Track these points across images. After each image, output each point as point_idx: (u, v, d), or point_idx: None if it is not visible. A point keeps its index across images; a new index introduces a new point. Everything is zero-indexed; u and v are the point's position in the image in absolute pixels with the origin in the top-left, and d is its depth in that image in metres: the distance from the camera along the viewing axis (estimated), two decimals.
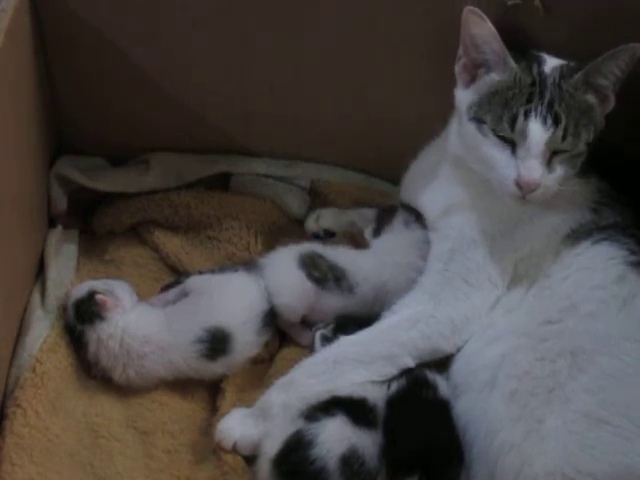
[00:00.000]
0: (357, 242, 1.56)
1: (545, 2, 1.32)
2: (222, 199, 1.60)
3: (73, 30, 1.44)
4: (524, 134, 1.23)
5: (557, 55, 1.31)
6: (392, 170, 1.55)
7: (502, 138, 1.25)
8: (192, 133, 1.59)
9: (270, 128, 1.58)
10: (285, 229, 1.61)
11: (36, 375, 1.32)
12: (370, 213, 1.59)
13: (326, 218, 1.60)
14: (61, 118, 1.55)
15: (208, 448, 1.30)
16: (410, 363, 1.28)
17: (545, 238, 1.31)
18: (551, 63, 1.29)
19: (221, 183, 1.63)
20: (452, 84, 1.32)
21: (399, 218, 1.45)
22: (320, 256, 1.42)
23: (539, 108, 1.23)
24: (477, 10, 1.24)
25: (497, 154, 1.26)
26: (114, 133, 1.59)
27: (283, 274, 1.41)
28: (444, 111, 1.38)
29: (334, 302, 1.40)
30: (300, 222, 1.63)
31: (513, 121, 1.23)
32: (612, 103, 1.28)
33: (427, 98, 1.45)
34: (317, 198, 1.64)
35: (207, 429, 1.33)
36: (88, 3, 1.42)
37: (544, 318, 1.26)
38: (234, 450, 1.27)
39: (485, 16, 1.24)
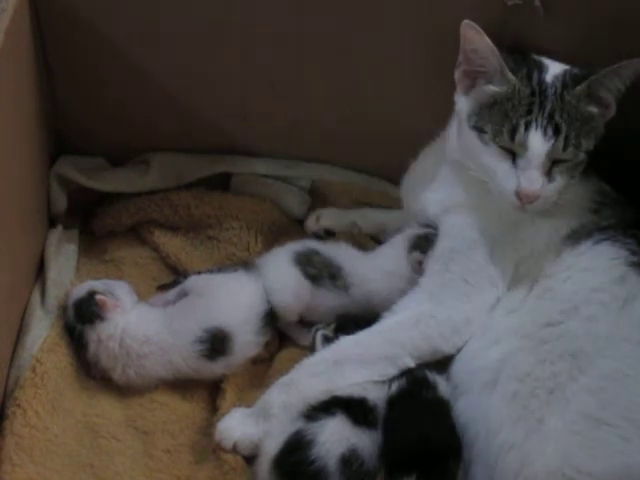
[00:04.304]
0: (357, 242, 1.56)
1: (545, 2, 1.32)
2: (222, 199, 1.60)
3: (73, 30, 1.44)
4: (524, 145, 1.23)
5: (557, 57, 1.31)
6: (392, 170, 1.54)
7: (503, 148, 1.25)
8: (192, 133, 1.59)
9: (270, 128, 1.58)
10: (285, 229, 1.61)
11: (36, 375, 1.32)
12: (371, 213, 1.59)
13: (326, 218, 1.60)
14: (61, 118, 1.55)
15: (208, 448, 1.30)
16: (410, 363, 1.28)
17: (546, 238, 1.30)
18: (553, 70, 1.28)
19: (221, 183, 1.63)
20: (452, 85, 1.32)
21: (408, 242, 1.41)
22: (316, 252, 1.43)
23: (539, 119, 1.23)
24: (474, 25, 1.24)
25: (497, 164, 1.26)
26: (114, 133, 1.59)
27: (279, 273, 1.41)
28: (444, 111, 1.38)
29: (329, 300, 1.40)
30: (300, 222, 1.63)
31: (513, 132, 1.23)
32: (613, 111, 1.28)
33: (427, 98, 1.45)
34: (317, 198, 1.64)
35: (207, 429, 1.33)
36: (88, 3, 1.42)
37: (545, 320, 1.25)
38: (234, 450, 1.27)
39: (482, 31, 1.24)
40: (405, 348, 1.28)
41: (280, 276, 1.41)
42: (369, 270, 1.42)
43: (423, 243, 1.38)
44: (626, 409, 1.15)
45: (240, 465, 1.27)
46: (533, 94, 1.25)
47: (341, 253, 1.44)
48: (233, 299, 1.38)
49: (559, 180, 1.26)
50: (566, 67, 1.30)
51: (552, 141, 1.23)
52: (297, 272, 1.41)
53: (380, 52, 1.44)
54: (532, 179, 1.23)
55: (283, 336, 1.46)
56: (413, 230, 1.41)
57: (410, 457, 1.21)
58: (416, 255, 1.37)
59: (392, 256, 1.41)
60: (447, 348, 1.29)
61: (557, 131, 1.23)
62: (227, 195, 1.61)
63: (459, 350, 1.30)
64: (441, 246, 1.34)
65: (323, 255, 1.43)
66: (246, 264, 1.45)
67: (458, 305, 1.30)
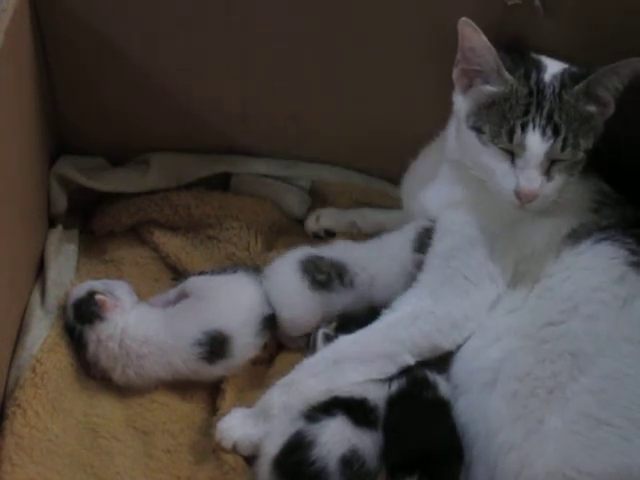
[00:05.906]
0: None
1: (545, 2, 1.32)
2: (222, 199, 1.59)
3: (73, 30, 1.43)
4: (522, 146, 1.23)
5: (557, 57, 1.31)
6: (392, 170, 1.54)
7: (501, 148, 1.25)
8: (192, 133, 1.59)
9: (270, 128, 1.58)
10: (285, 229, 1.61)
11: (36, 375, 1.32)
12: (370, 213, 1.59)
13: (326, 218, 1.60)
14: (61, 118, 1.55)
15: (208, 448, 1.30)
16: (410, 361, 1.28)
17: (547, 237, 1.30)
18: (551, 69, 1.28)
19: (221, 183, 1.63)
20: (452, 85, 1.32)
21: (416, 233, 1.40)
22: (320, 257, 1.42)
23: (537, 119, 1.23)
24: (471, 22, 1.24)
25: (496, 164, 1.26)
26: (114, 133, 1.59)
27: (287, 292, 1.39)
28: (444, 112, 1.38)
29: (339, 301, 1.39)
30: (300, 222, 1.63)
31: (511, 134, 1.23)
32: (612, 110, 1.28)
33: (427, 99, 1.45)
34: (317, 198, 1.64)
35: (207, 429, 1.33)
36: (88, 3, 1.42)
37: (545, 320, 1.25)
38: (234, 450, 1.27)
39: (479, 29, 1.24)
40: (404, 345, 1.28)
41: (288, 297, 1.39)
42: (371, 255, 1.41)
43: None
44: (626, 409, 1.15)
45: (240, 465, 1.27)
46: (531, 94, 1.24)
47: (338, 250, 1.44)
48: (233, 301, 1.38)
49: (558, 179, 1.26)
50: (565, 66, 1.29)
51: (551, 141, 1.23)
52: (304, 288, 1.38)
53: (380, 52, 1.44)
54: (531, 178, 1.23)
55: None
56: (423, 223, 1.39)
57: (412, 457, 1.21)
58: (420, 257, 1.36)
59: (397, 242, 1.41)
60: (446, 344, 1.29)
61: (556, 131, 1.23)
62: (227, 195, 1.61)
63: (458, 347, 1.30)
64: (441, 243, 1.34)
65: (326, 257, 1.41)
66: (249, 268, 1.44)
67: (457, 301, 1.29)
